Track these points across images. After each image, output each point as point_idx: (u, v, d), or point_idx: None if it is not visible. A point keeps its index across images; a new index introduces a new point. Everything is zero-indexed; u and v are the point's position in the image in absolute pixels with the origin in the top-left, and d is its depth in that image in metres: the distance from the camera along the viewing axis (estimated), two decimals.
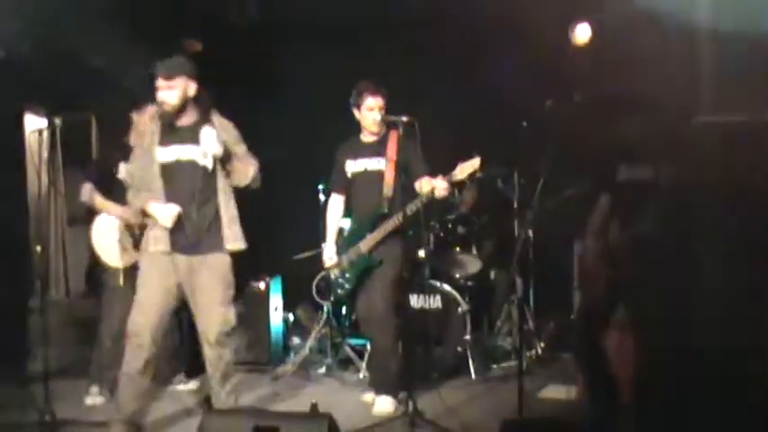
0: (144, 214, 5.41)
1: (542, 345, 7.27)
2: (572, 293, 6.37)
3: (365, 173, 6.08)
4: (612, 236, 4.73)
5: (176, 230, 5.25)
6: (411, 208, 5.76)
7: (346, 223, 6.40)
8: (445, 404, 6.00)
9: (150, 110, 5.42)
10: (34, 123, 7.52)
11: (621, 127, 4.86)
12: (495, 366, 6.99)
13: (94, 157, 6.00)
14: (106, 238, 6.20)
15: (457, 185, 5.86)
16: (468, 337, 6.73)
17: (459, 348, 6.75)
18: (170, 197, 5.25)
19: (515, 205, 6.77)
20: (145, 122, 5.48)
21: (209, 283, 5.29)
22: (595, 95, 5.08)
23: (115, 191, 6.24)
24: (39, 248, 6.13)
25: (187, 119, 5.31)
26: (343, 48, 8.05)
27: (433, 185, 5.67)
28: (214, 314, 5.30)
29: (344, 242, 6.19)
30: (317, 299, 7.33)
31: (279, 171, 8.22)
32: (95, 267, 6.36)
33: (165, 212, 5.21)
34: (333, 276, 6.23)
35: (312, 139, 7.95)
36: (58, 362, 6.53)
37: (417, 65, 7.81)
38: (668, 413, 4.45)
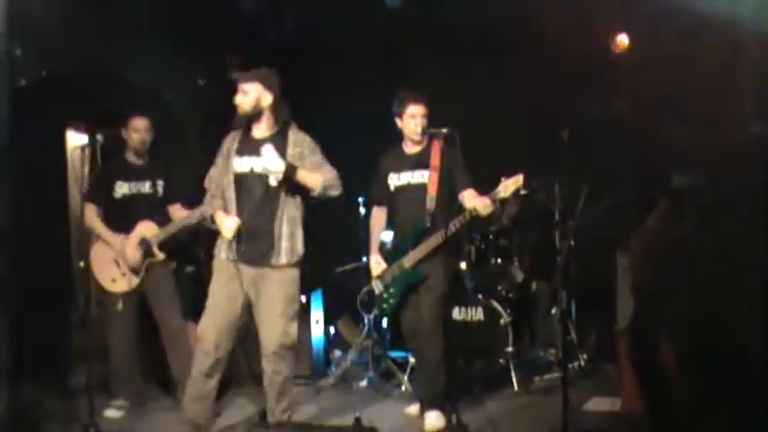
0: (212, 222, 5.53)
1: (585, 356, 7.20)
2: (614, 304, 6.30)
3: (408, 186, 6.00)
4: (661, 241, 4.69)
5: (244, 241, 5.34)
6: (454, 225, 5.71)
7: (387, 236, 6.35)
8: (488, 417, 5.98)
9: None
10: (76, 140, 7.58)
11: (672, 135, 4.82)
12: (537, 378, 6.93)
13: (88, 176, 5.96)
14: (103, 262, 6.26)
15: (499, 201, 5.78)
16: (510, 348, 6.69)
17: (502, 360, 6.70)
18: (241, 207, 5.36)
19: (557, 216, 6.73)
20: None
21: (272, 295, 5.37)
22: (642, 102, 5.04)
23: (112, 210, 6.30)
24: (81, 264, 6.17)
25: (263, 130, 5.45)
26: (382, 59, 8.07)
27: (475, 204, 5.64)
28: (274, 326, 5.36)
29: (388, 256, 6.11)
30: (362, 312, 7.30)
31: None
32: (97, 291, 6.44)
33: (227, 223, 5.32)
34: (377, 291, 6.16)
35: (352, 152, 7.94)
36: (100, 375, 6.56)
37: (457, 74, 7.80)
38: (720, 420, 4.40)
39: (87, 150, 5.61)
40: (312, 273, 7.60)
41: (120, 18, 6.91)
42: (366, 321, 7.31)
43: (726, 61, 5.39)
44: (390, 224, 6.27)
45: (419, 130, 5.91)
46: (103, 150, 5.77)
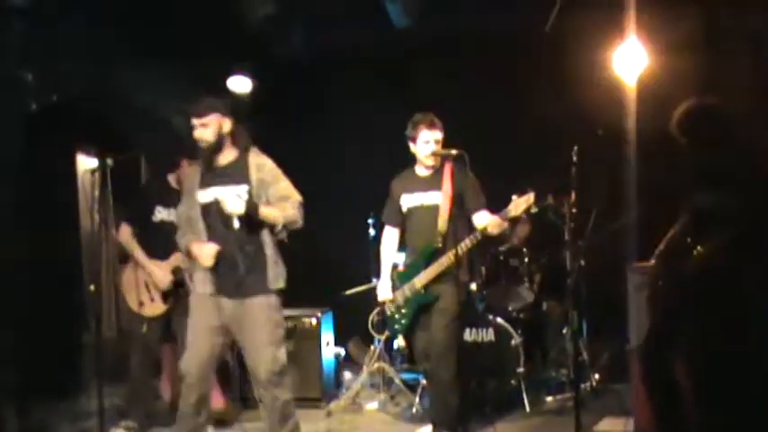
0: (189, 255, 5.38)
1: (596, 376, 7.18)
2: (626, 323, 6.28)
3: (421, 207, 6.00)
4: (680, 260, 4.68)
5: (220, 273, 5.21)
6: (464, 245, 5.71)
7: (399, 258, 6.35)
8: None
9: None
10: (86, 163, 7.61)
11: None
12: (549, 399, 6.91)
13: (131, 199, 6.03)
14: (133, 285, 6.27)
15: (510, 220, 5.77)
16: (521, 369, 6.67)
17: (513, 381, 6.68)
18: (212, 238, 5.22)
19: (566, 236, 6.72)
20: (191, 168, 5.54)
21: (255, 324, 5.20)
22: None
23: (149, 234, 6.32)
24: (92, 287, 6.18)
25: (225, 157, 5.30)
26: (394, 78, 8.09)
27: (486, 224, 5.65)
28: (262, 355, 5.19)
29: (399, 277, 6.12)
30: (373, 333, 7.29)
31: (329, 205, 8.29)
32: (123, 310, 6.46)
33: (205, 251, 5.17)
34: (389, 312, 6.15)
35: (363, 172, 7.97)
36: (110, 398, 6.55)
37: (466, 94, 7.82)
38: None
39: (98, 174, 5.63)
40: (321, 294, 7.64)
41: (129, 43, 6.95)
42: (376, 343, 7.30)
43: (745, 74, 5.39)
44: (402, 245, 6.27)
45: (433, 155, 5.92)
46: (113, 174, 5.78)
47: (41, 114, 6.84)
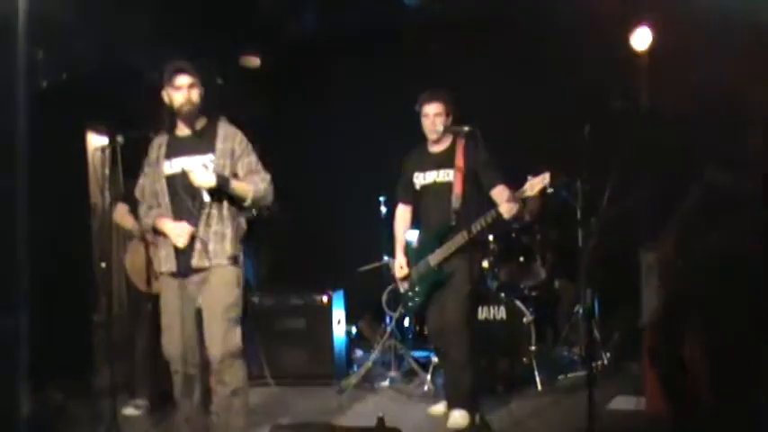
0: (156, 232, 5.10)
1: (608, 355, 7.16)
2: (638, 301, 6.25)
3: (434, 185, 5.96)
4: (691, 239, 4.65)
5: (185, 250, 4.93)
6: (477, 226, 5.66)
7: (412, 235, 6.33)
8: (512, 416, 5.94)
9: None
10: (97, 141, 7.59)
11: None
12: (561, 377, 6.90)
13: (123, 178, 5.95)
14: (138, 264, 6.24)
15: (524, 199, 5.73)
16: (533, 347, 6.65)
17: (525, 359, 6.67)
18: (177, 213, 4.96)
19: (579, 214, 6.69)
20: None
21: (212, 296, 4.94)
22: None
23: None
24: (103, 265, 6.17)
25: (191, 127, 5.02)
26: (404, 56, 8.05)
27: (500, 209, 5.61)
28: (215, 330, 4.91)
29: (413, 255, 6.09)
30: (387, 311, 7.28)
31: (340, 184, 8.27)
32: (130, 289, 6.45)
33: (178, 230, 4.90)
34: (402, 289, 6.15)
35: (373, 151, 7.94)
36: (123, 377, 6.57)
37: (480, 70, 7.77)
38: (747, 419, 4.36)
39: (108, 151, 5.60)
40: (333, 273, 7.63)
41: (140, 19, 6.92)
42: (388, 321, 7.29)
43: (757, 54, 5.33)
44: (416, 223, 6.24)
45: (434, 128, 5.88)
46: (124, 152, 5.75)
47: (51, 92, 6.81)
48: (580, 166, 5.28)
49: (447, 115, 5.91)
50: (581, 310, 7.18)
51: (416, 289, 6.03)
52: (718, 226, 4.50)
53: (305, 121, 8.21)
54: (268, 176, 5.07)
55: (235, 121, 5.19)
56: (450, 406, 5.89)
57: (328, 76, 8.39)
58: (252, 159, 5.05)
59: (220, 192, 4.88)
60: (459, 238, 5.71)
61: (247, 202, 4.99)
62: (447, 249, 5.80)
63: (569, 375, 6.93)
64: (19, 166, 6.22)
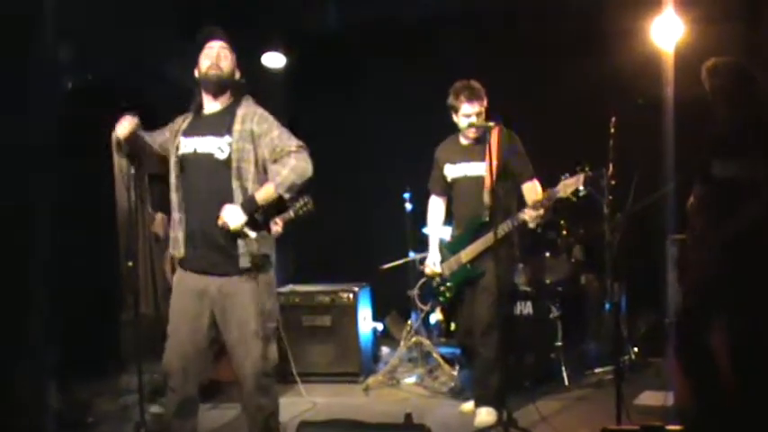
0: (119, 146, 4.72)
1: (635, 350, 7.12)
2: (665, 296, 6.22)
3: (465, 178, 5.96)
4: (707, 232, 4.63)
5: (195, 244, 4.56)
6: (502, 230, 5.65)
7: (446, 232, 6.33)
8: (539, 412, 5.92)
9: None
10: None
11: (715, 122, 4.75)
12: (588, 373, 6.87)
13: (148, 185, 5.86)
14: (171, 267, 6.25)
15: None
16: (559, 343, 6.63)
17: (552, 355, 6.65)
18: (184, 194, 4.60)
19: (605, 208, 6.65)
20: None
21: (242, 310, 4.50)
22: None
23: None
24: (130, 264, 6.19)
25: (216, 105, 4.66)
26: (427, 52, 8.03)
27: (525, 216, 5.64)
28: (252, 346, 4.48)
29: (446, 249, 6.11)
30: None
31: (365, 180, 8.27)
32: (157, 289, 6.47)
33: (121, 124, 4.59)
34: (434, 284, 6.16)
35: (398, 145, 7.93)
36: (149, 375, 6.59)
37: (504, 64, 7.74)
38: None
39: None
40: (358, 269, 7.63)
41: (163, 21, 6.95)
42: (414, 317, 7.29)
43: None
44: (450, 215, 6.25)
45: (474, 128, 5.86)
46: None
47: (78, 93, 6.85)
48: (606, 160, 5.26)
49: (484, 112, 5.90)
50: (608, 306, 7.15)
51: (448, 284, 6.05)
52: (727, 216, 4.48)
53: (328, 117, 8.21)
54: (295, 146, 4.52)
55: None
56: (478, 404, 5.88)
57: (351, 70, 8.39)
58: (275, 134, 4.54)
59: (254, 216, 4.49)
60: (488, 239, 5.69)
61: (283, 194, 4.53)
62: (477, 247, 5.81)
63: (596, 371, 6.89)
64: (46, 167, 6.27)
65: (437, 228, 6.26)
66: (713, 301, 4.60)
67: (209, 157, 4.54)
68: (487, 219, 5.76)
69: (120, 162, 5.03)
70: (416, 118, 7.56)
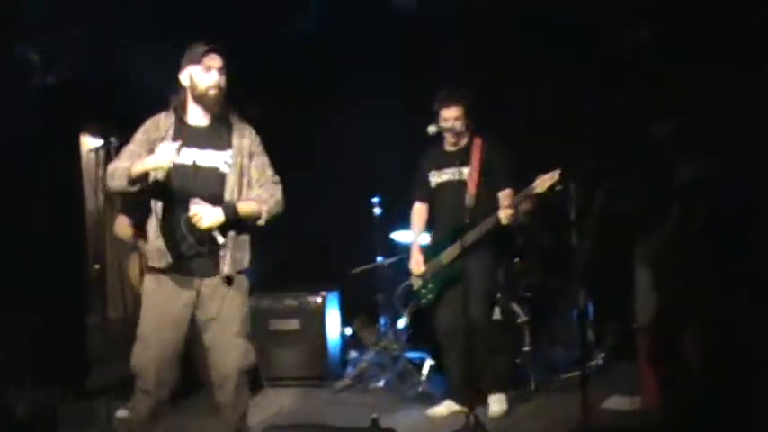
0: (132, 182, 4.41)
1: (602, 355, 7.17)
2: (632, 301, 6.26)
3: (448, 183, 6.09)
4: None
5: (185, 248, 4.49)
6: (477, 232, 5.80)
7: (424, 238, 6.41)
8: (507, 416, 5.95)
9: None
10: (90, 143, 7.58)
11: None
12: (555, 377, 6.90)
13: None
14: (137, 268, 6.23)
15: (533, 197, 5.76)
16: (527, 348, 6.66)
17: (519, 360, 6.67)
18: (175, 205, 4.50)
19: (573, 214, 6.69)
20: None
21: (230, 307, 4.53)
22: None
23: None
24: (96, 267, 6.17)
25: (204, 118, 4.62)
26: (397, 57, 8.03)
27: (499, 214, 5.76)
28: (232, 349, 4.53)
29: (427, 252, 6.20)
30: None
31: (334, 185, 8.26)
32: (125, 292, 6.45)
33: (162, 151, 4.33)
34: (416, 286, 6.26)
35: (367, 153, 7.93)
36: (116, 379, 6.56)
37: (473, 69, 7.76)
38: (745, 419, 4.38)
39: (101, 153, 5.60)
40: (327, 274, 7.63)
41: (134, 21, 6.92)
42: (383, 322, 7.30)
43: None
44: (432, 220, 6.32)
45: (453, 134, 6.00)
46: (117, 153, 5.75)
47: (46, 94, 6.81)
48: (574, 166, 5.30)
49: (466, 117, 5.99)
50: (575, 311, 7.18)
51: (429, 286, 6.15)
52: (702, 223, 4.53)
53: (297, 122, 8.19)
54: (278, 182, 4.72)
55: None
56: (488, 394, 6.05)
57: (320, 76, 8.37)
58: (265, 160, 4.69)
59: (232, 222, 4.50)
60: (466, 239, 5.75)
61: (261, 222, 4.61)
62: (456, 249, 5.87)
63: (563, 376, 6.92)
64: (13, 168, 6.23)
65: (420, 231, 6.34)
66: (689, 306, 4.64)
67: (214, 170, 4.55)
68: (468, 221, 5.82)
69: (88, 165, 4.99)
70: (385, 123, 7.57)
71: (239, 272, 4.58)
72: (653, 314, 4.98)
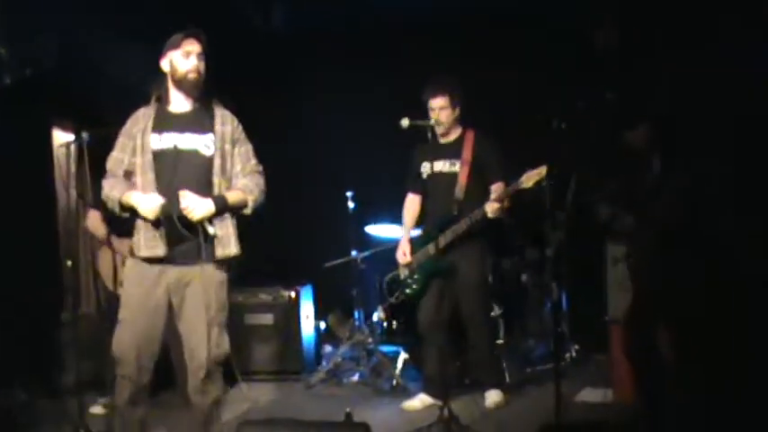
0: (123, 209, 4.64)
1: (576, 347, 7.20)
2: (605, 295, 6.29)
3: (440, 174, 6.11)
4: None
5: (169, 233, 4.54)
6: (463, 225, 5.86)
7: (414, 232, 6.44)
8: (480, 409, 5.97)
9: None
10: (61, 138, 7.54)
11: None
12: (529, 370, 6.92)
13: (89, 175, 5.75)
14: (110, 264, 6.19)
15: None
16: (501, 341, 6.68)
17: (494, 352, 6.68)
18: (163, 191, 4.54)
19: (547, 207, 6.70)
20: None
21: (200, 299, 4.56)
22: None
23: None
24: (69, 263, 6.13)
25: (186, 104, 4.71)
26: (370, 52, 8.03)
27: (485, 208, 5.79)
28: (204, 337, 4.54)
29: (416, 243, 6.23)
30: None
31: (308, 179, 8.24)
32: (98, 288, 6.41)
33: (148, 202, 4.48)
34: (402, 276, 6.30)
35: (341, 145, 7.92)
36: (90, 375, 6.53)
37: (443, 67, 7.77)
38: (718, 412, 4.41)
39: (74, 149, 5.55)
40: (301, 268, 7.62)
41: (105, 16, 6.88)
42: (357, 316, 7.30)
43: None
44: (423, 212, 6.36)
45: (439, 123, 6.01)
46: (90, 149, 5.70)
47: (16, 89, 6.76)
48: (548, 160, 5.31)
49: (453, 108, 6.03)
50: (549, 304, 7.21)
51: (415, 276, 6.19)
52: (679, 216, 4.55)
53: (273, 115, 8.17)
54: (262, 171, 4.82)
55: None
56: (485, 388, 6.15)
57: (294, 69, 8.36)
58: (249, 148, 4.79)
59: (221, 213, 4.60)
60: (454, 231, 5.87)
61: (247, 211, 4.73)
62: (443, 240, 5.91)
63: (537, 368, 6.95)
64: None
65: (410, 222, 6.37)
66: (663, 299, 4.66)
67: (195, 153, 4.63)
68: (457, 213, 5.91)
69: (59, 160, 5.00)
70: (360, 117, 7.57)
71: (221, 260, 4.65)
72: (625, 307, 4.99)
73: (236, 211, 4.70)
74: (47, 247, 7.21)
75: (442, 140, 6.15)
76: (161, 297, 4.59)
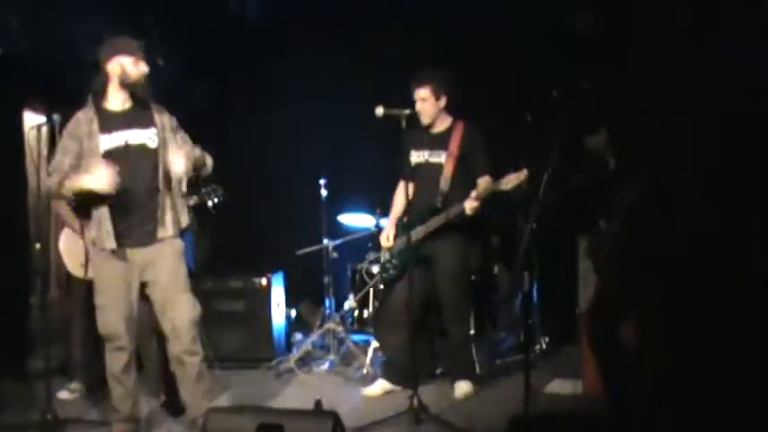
0: (82, 201, 4.95)
1: (547, 339, 7.22)
2: (576, 287, 6.31)
3: (426, 164, 6.11)
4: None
5: (127, 222, 4.94)
6: (444, 216, 5.92)
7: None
8: (450, 399, 5.98)
9: None
10: (33, 120, 7.47)
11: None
12: (499, 361, 6.94)
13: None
14: (73, 247, 6.15)
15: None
16: (471, 331, 6.68)
17: None
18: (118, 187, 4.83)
19: (519, 199, 6.72)
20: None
21: (171, 270, 5.04)
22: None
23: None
24: (38, 246, 6.07)
25: (124, 102, 5.05)
26: (341, 40, 7.99)
27: (465, 205, 5.81)
28: (182, 300, 5.05)
29: (400, 229, 6.26)
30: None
31: (280, 166, 8.22)
32: (65, 272, 6.37)
33: (99, 178, 4.74)
34: (382, 258, 6.35)
35: (313, 134, 7.90)
36: (58, 360, 6.50)
37: (416, 59, 7.75)
38: (683, 403, 4.42)
39: (45, 130, 5.51)
40: (272, 255, 7.60)
41: None
42: (327, 304, 7.29)
43: None
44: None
45: (423, 113, 6.02)
46: (60, 130, 5.66)
47: None
48: (520, 153, 5.32)
49: (437, 98, 6.02)
50: (519, 295, 7.23)
51: (393, 261, 6.22)
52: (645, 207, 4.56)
53: (243, 104, 8.14)
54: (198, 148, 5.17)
55: (171, 103, 5.19)
56: (454, 377, 6.19)
57: (265, 58, 8.32)
58: (186, 136, 5.20)
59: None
60: (435, 222, 5.93)
61: (208, 169, 5.20)
62: (424, 230, 5.98)
63: (507, 359, 6.97)
64: None
65: (398, 208, 6.37)
66: (627, 290, 4.66)
67: (143, 146, 4.99)
68: (440, 205, 5.95)
69: (30, 142, 5.04)
70: (332, 105, 7.55)
71: (176, 234, 5.09)
72: (592, 300, 5.00)
73: (198, 167, 5.08)
74: (16, 230, 7.16)
75: (431, 130, 6.14)
76: (133, 279, 5.02)
